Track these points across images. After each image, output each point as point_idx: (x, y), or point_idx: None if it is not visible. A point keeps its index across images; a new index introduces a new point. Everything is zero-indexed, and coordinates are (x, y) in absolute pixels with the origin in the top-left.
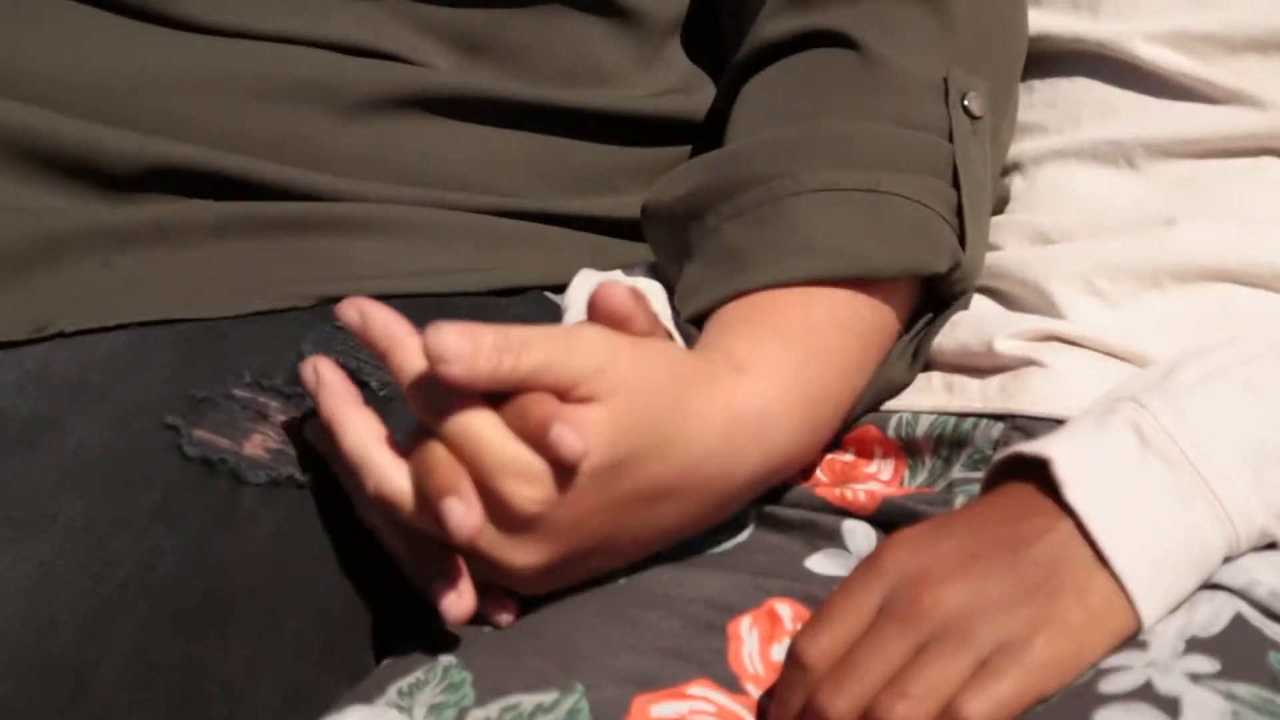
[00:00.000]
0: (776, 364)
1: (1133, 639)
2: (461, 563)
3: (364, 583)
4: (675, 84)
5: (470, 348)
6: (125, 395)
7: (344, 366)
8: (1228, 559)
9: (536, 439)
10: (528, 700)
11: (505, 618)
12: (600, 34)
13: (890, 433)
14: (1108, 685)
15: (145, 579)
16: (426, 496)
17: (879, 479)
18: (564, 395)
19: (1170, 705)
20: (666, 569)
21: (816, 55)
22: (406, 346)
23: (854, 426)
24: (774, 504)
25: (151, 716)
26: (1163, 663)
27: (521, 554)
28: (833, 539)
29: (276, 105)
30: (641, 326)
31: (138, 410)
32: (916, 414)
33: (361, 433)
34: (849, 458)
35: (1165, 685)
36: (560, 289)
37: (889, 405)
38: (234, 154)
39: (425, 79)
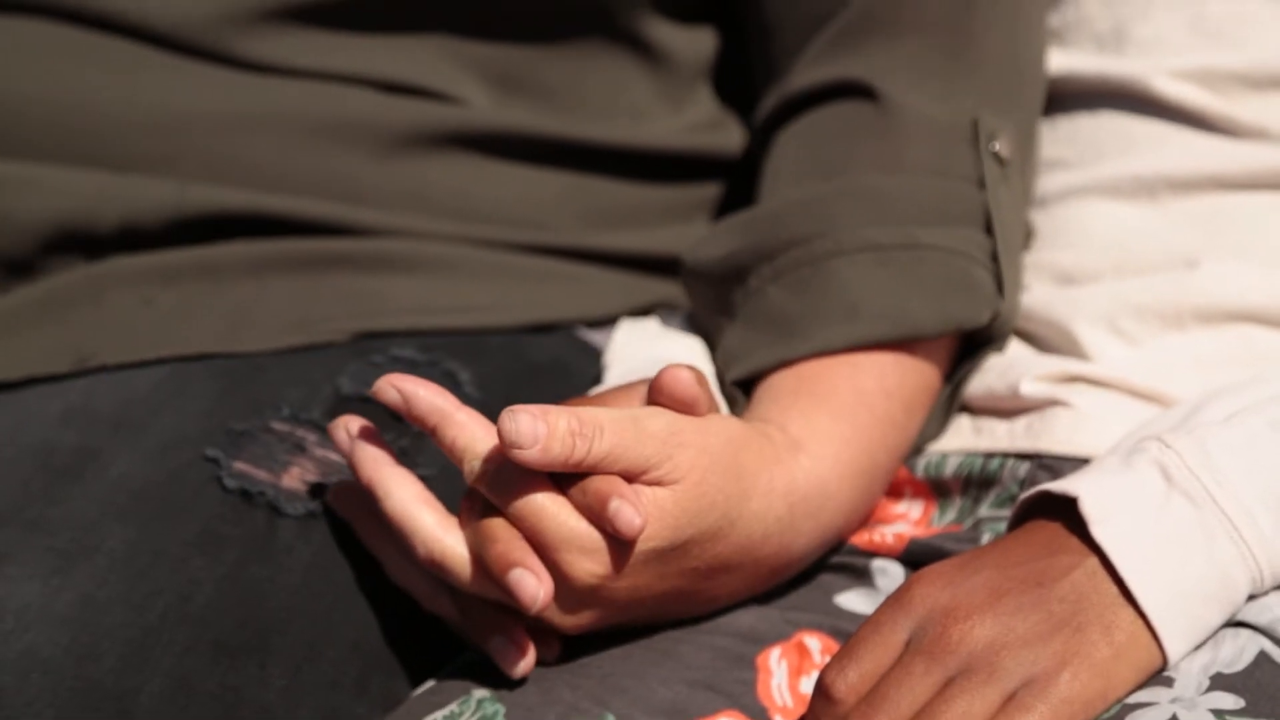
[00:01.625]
0: (831, 440)
1: (1158, 675)
2: (515, 619)
3: (398, 614)
4: (704, 121)
5: (545, 431)
6: (166, 428)
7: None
8: (1252, 597)
9: (595, 513)
10: None
11: (551, 657)
12: (633, 72)
13: (919, 473)
14: None
15: (185, 609)
16: (489, 566)
17: (908, 519)
18: (632, 478)
19: None
20: None
21: (843, 107)
22: (456, 421)
23: None
24: None
25: None
26: (1188, 699)
27: (575, 619)
28: (863, 577)
29: (318, 142)
30: (704, 409)
31: (178, 443)
32: (945, 454)
33: (406, 497)
34: None
35: None
36: (592, 325)
37: None
38: (274, 193)
39: (463, 117)
